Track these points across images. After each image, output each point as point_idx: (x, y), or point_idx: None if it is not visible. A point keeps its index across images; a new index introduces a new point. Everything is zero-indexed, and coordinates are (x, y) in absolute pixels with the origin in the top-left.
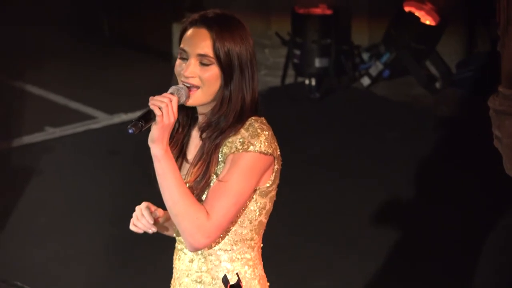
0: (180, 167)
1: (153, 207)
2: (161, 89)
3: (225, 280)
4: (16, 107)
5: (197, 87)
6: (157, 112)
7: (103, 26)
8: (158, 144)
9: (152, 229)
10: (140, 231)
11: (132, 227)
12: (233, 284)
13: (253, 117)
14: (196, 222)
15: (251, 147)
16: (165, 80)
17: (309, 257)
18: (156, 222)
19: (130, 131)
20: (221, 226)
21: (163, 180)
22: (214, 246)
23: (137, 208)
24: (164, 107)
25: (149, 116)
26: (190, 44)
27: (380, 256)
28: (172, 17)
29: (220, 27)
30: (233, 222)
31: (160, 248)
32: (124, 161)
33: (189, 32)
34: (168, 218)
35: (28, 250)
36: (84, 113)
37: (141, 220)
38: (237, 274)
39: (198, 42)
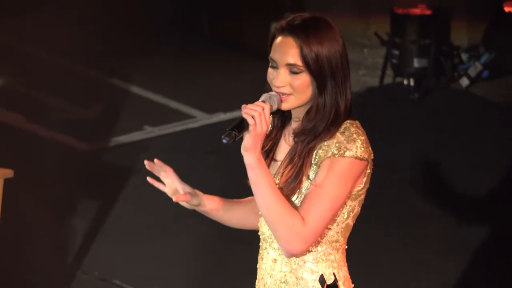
0: (268, 166)
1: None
2: (260, 90)
3: (321, 280)
4: (115, 106)
5: (290, 94)
6: (250, 121)
7: (204, 26)
8: (251, 153)
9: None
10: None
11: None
12: (329, 284)
13: (348, 121)
14: (292, 228)
15: (348, 152)
16: (264, 80)
17: (398, 259)
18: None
19: (224, 141)
20: (317, 231)
21: (257, 188)
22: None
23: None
24: (257, 116)
25: (242, 125)
26: (278, 53)
27: (475, 257)
28: (272, 17)
29: (306, 33)
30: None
31: (257, 246)
32: (222, 161)
33: (277, 40)
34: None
35: (126, 249)
36: (183, 112)
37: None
38: (334, 274)
39: (286, 51)
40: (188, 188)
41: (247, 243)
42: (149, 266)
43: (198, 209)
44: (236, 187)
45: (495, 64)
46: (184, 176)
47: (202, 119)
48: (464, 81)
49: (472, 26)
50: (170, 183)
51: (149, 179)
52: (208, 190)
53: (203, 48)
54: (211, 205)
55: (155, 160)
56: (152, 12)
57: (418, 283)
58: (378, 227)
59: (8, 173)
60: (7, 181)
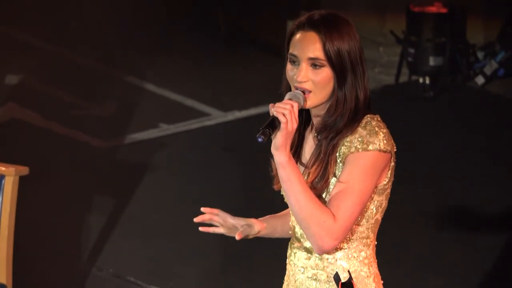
0: None
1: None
2: (275, 87)
3: (336, 277)
4: (131, 104)
5: (310, 91)
6: (282, 119)
7: (219, 23)
8: (282, 151)
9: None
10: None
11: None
12: (344, 282)
13: (368, 115)
14: (324, 225)
15: (371, 146)
16: (279, 78)
17: (424, 255)
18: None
19: (260, 139)
20: (348, 227)
21: (289, 187)
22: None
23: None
24: (288, 113)
25: (274, 124)
26: (299, 48)
27: (498, 255)
28: (288, 14)
29: (328, 27)
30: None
31: (273, 243)
32: (238, 159)
33: (297, 36)
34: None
35: (141, 246)
36: (198, 110)
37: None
38: (348, 271)
39: (308, 46)
40: (242, 221)
41: (265, 240)
42: (163, 263)
43: (257, 235)
44: (250, 184)
45: (511, 62)
46: (199, 173)
47: (217, 116)
48: (480, 79)
49: (488, 24)
50: (224, 224)
51: (201, 228)
52: (223, 187)
53: (218, 46)
54: (266, 230)
55: (202, 208)
56: (167, 10)
57: (439, 281)
58: (397, 224)
59: (23, 170)
60: (22, 179)
